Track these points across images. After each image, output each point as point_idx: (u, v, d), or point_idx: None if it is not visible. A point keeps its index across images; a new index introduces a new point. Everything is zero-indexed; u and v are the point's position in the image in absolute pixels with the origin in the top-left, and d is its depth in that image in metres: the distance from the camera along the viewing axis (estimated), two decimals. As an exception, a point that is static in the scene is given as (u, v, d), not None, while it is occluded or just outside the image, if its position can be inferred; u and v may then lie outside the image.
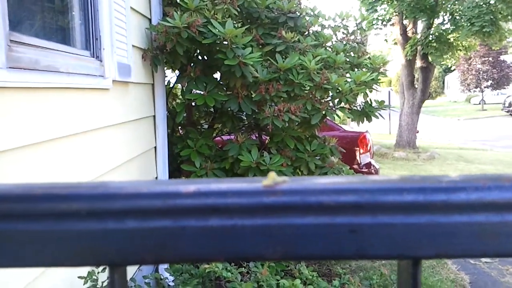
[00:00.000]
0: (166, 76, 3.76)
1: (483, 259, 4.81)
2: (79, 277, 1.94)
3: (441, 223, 0.20)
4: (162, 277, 2.56)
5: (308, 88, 3.39)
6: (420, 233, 0.20)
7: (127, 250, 0.20)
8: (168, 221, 0.20)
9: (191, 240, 0.20)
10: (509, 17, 9.65)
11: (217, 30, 2.94)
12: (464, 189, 0.20)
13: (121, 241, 0.19)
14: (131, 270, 2.72)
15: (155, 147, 3.40)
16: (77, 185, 0.20)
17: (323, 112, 3.48)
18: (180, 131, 4.06)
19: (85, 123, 2.08)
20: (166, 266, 3.15)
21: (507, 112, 28.28)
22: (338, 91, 3.46)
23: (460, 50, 11.29)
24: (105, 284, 2.05)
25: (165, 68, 3.58)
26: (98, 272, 2.05)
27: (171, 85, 4.05)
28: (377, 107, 3.84)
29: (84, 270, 2.01)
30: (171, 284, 2.44)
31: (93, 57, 2.30)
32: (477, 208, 0.19)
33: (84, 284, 1.97)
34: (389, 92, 16.63)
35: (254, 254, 0.20)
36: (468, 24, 9.34)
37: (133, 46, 2.84)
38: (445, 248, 0.20)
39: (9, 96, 1.48)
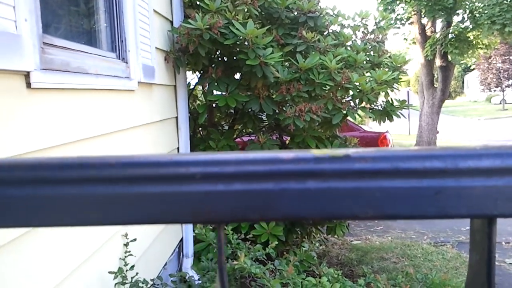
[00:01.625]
0: (187, 78, 3.81)
1: (508, 261, 4.75)
2: (109, 272, 1.98)
3: None
4: (188, 275, 2.59)
5: (329, 87, 3.40)
6: (496, 194, 0.22)
7: (235, 209, 0.22)
8: (270, 184, 0.22)
9: (291, 201, 0.22)
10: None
11: (238, 31, 2.97)
12: None
13: (230, 201, 0.22)
14: (156, 269, 2.76)
15: (178, 148, 3.44)
16: (195, 154, 0.23)
17: (344, 112, 3.49)
18: (201, 132, 4.10)
19: (112, 124, 2.13)
20: (190, 264, 3.19)
21: (529, 111, 27.77)
22: (359, 90, 3.45)
23: (481, 48, 11.14)
24: (134, 279, 2.09)
25: (186, 70, 3.62)
26: (126, 270, 2.10)
27: (191, 86, 4.10)
28: (398, 106, 3.83)
29: (115, 266, 2.06)
30: (198, 282, 2.47)
31: (119, 59, 2.34)
32: None
33: (114, 279, 2.01)
34: (407, 92, 16.51)
35: (348, 214, 0.22)
36: (489, 22, 9.23)
37: (156, 48, 2.88)
38: None
39: (43, 97, 1.53)
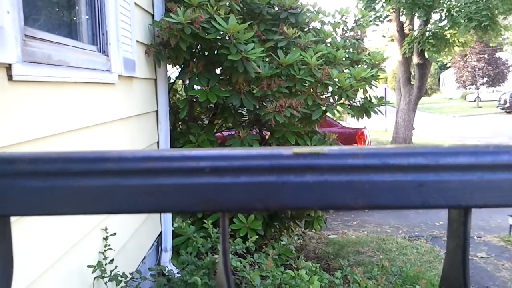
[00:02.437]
0: (167, 72, 3.80)
1: (479, 255, 4.89)
2: (88, 266, 1.98)
3: (489, 179, 0.25)
4: (167, 269, 2.60)
5: (309, 83, 3.44)
6: (471, 187, 0.25)
7: (240, 200, 0.24)
8: (272, 177, 0.25)
9: (291, 193, 0.25)
10: (507, 13, 9.74)
11: (220, 26, 2.98)
12: (507, 153, 0.25)
13: (236, 192, 0.24)
14: (135, 263, 2.76)
15: (158, 142, 3.44)
16: (204, 149, 0.25)
17: (324, 108, 3.53)
18: (181, 127, 4.10)
19: (93, 117, 2.12)
20: (169, 258, 3.20)
21: (502, 109, 28.46)
22: (338, 87, 3.51)
23: (457, 46, 11.37)
24: (113, 273, 2.09)
25: (167, 64, 3.62)
26: (106, 264, 2.10)
27: (172, 80, 4.09)
28: (376, 103, 3.90)
29: (94, 259, 2.06)
30: (178, 275, 2.49)
31: (100, 52, 2.33)
32: None
33: (92, 273, 2.01)
34: (385, 88, 16.73)
35: (342, 204, 0.25)
36: (466, 20, 9.42)
37: (137, 41, 2.87)
38: (491, 199, 0.25)
39: (24, 89, 1.52)
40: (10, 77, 1.40)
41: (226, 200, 0.24)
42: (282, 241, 2.74)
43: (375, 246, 4.99)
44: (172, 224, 3.30)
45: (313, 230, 4.13)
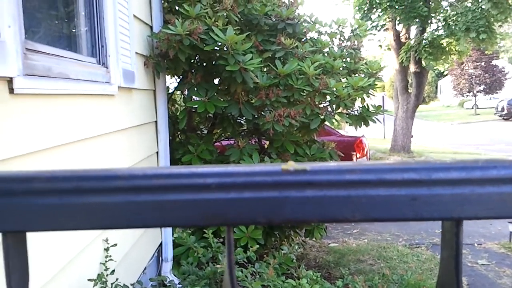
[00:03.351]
0: (166, 82, 3.82)
1: (480, 262, 4.89)
2: (89, 279, 1.99)
3: (478, 193, 0.27)
4: (168, 279, 2.60)
5: (307, 93, 3.46)
6: (463, 200, 0.27)
7: (245, 214, 0.26)
8: (275, 193, 0.26)
9: (292, 207, 0.26)
10: (503, 21, 9.81)
11: (218, 37, 3.00)
12: (495, 167, 0.26)
13: (240, 207, 0.26)
14: (136, 273, 2.76)
15: (157, 153, 3.45)
16: (211, 166, 0.26)
17: (322, 117, 3.55)
18: (180, 137, 4.11)
19: (93, 129, 2.14)
20: (169, 268, 3.20)
21: (500, 116, 28.57)
22: (336, 96, 3.53)
23: (454, 54, 11.44)
24: (114, 285, 2.09)
25: (166, 75, 3.64)
26: (107, 275, 2.10)
27: (170, 90, 4.11)
28: (374, 111, 3.92)
29: (95, 270, 2.06)
30: (179, 286, 2.49)
31: (100, 64, 2.35)
32: (506, 181, 0.26)
33: (94, 287, 2.01)
34: (382, 97, 16.77)
35: (340, 217, 0.26)
36: (464, 31, 9.48)
37: (136, 53, 2.90)
38: (481, 211, 0.27)
39: (25, 102, 1.53)
40: (11, 90, 1.42)
41: (231, 215, 0.26)
42: (282, 250, 2.75)
43: (375, 254, 4.99)
44: (173, 234, 3.31)
45: (314, 239, 4.13)
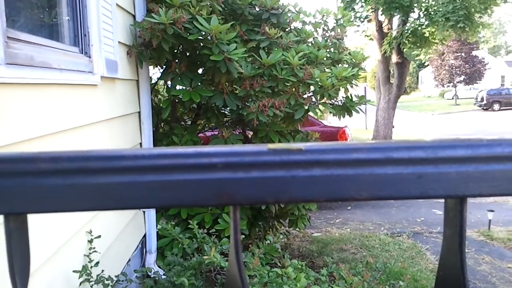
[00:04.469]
0: (149, 72, 3.78)
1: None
2: (74, 271, 1.97)
3: (483, 170, 0.27)
4: (153, 270, 2.60)
5: (291, 83, 3.46)
6: (467, 178, 0.27)
7: (252, 194, 0.26)
8: (282, 172, 0.26)
9: (299, 186, 0.26)
10: (482, 12, 9.95)
11: (202, 26, 2.98)
12: (500, 145, 0.27)
13: (247, 187, 0.26)
14: (120, 265, 2.75)
15: (141, 143, 3.42)
16: (217, 146, 0.26)
17: (306, 107, 3.56)
18: (164, 127, 4.08)
19: (76, 119, 2.11)
20: (154, 259, 3.19)
21: (479, 106, 29.03)
22: (320, 86, 3.54)
23: (436, 43, 11.57)
24: (99, 277, 2.08)
25: (149, 64, 3.60)
26: (91, 267, 2.08)
27: (153, 81, 4.07)
28: (357, 102, 3.95)
29: (79, 262, 2.04)
30: (164, 277, 2.48)
31: (82, 53, 2.32)
32: (510, 158, 0.27)
33: (79, 278, 2.00)
34: (365, 87, 16.90)
35: (347, 196, 0.26)
36: (443, 20, 9.60)
37: (119, 42, 2.86)
38: (485, 188, 0.27)
39: (7, 92, 1.50)
40: (-7, 80, 1.39)
41: (238, 194, 0.26)
42: (267, 240, 2.76)
43: (358, 243, 5.05)
44: (156, 226, 3.29)
45: (297, 229, 4.16)
